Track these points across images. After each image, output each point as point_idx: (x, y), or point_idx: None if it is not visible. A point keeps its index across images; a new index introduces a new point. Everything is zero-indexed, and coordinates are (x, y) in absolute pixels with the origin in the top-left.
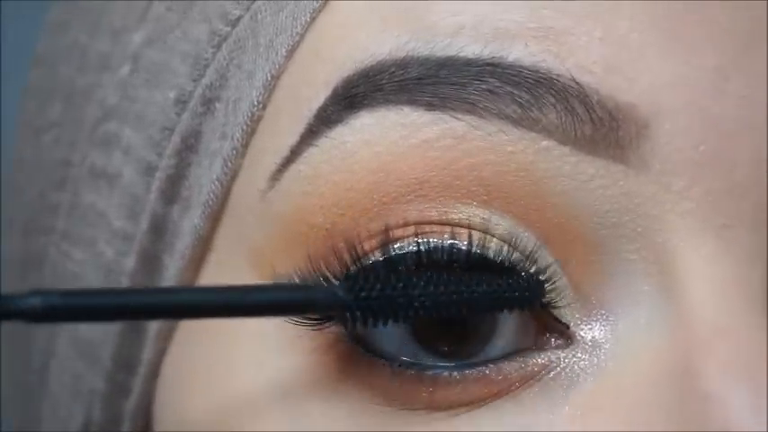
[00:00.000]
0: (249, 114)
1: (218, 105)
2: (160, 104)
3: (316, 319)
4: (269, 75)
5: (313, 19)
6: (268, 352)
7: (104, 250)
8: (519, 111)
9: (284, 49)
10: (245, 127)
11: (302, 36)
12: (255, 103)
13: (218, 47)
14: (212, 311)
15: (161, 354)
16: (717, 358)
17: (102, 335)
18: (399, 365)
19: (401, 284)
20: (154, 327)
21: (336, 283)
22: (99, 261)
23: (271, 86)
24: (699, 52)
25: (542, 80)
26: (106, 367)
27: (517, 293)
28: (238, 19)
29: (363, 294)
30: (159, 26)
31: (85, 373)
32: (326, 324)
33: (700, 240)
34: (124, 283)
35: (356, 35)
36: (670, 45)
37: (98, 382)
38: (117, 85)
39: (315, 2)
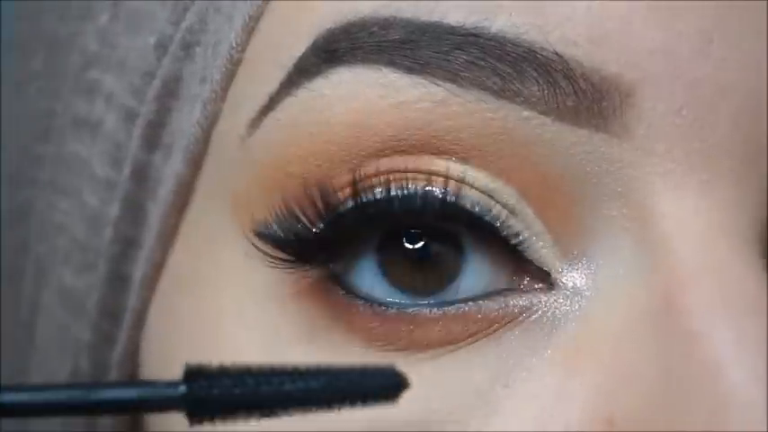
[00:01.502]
0: (228, 57)
1: (197, 50)
2: (141, 50)
3: (293, 261)
4: (247, 17)
5: None
6: (251, 299)
7: (88, 199)
8: (500, 82)
9: None
10: (224, 70)
11: None
12: (234, 45)
13: None
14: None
15: (146, 302)
16: (698, 296)
17: (87, 285)
18: (380, 305)
19: (251, 381)
20: (137, 275)
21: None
22: (84, 211)
23: (249, 28)
24: (682, 16)
25: (525, 53)
26: (92, 317)
27: (374, 386)
28: None
29: (201, 394)
30: None
31: (72, 324)
32: (304, 267)
33: (681, 195)
34: (108, 232)
35: None
36: (654, 11)
37: (84, 333)
38: (97, 32)
39: None
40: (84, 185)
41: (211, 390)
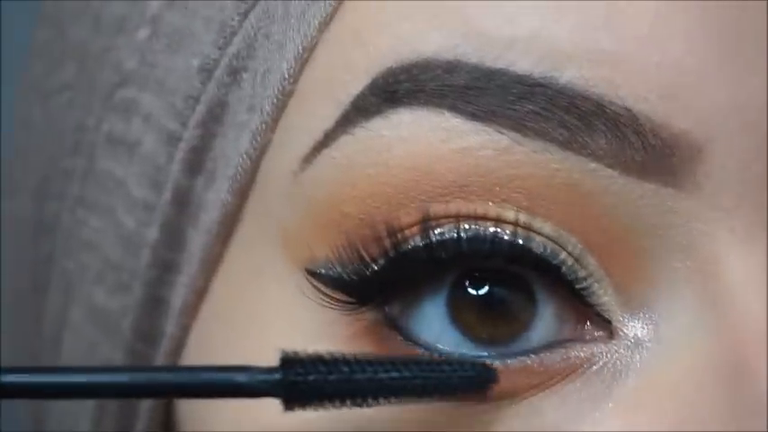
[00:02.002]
0: (280, 88)
1: (245, 76)
2: (182, 71)
3: (351, 303)
4: (300, 47)
5: None
6: (302, 338)
7: (124, 219)
8: (567, 134)
9: (317, 21)
10: (275, 101)
11: (336, 9)
12: (286, 76)
13: (246, 15)
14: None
15: (186, 329)
16: None
17: (121, 305)
18: (440, 356)
19: (345, 368)
20: (177, 301)
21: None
22: (119, 230)
23: (302, 60)
24: (755, 70)
25: (594, 107)
26: (126, 338)
27: (464, 378)
28: None
29: (298, 379)
30: None
31: (103, 343)
32: (360, 309)
33: (749, 249)
34: (145, 255)
35: (401, 25)
36: (727, 66)
37: (117, 353)
38: (135, 49)
39: None
40: (118, 204)
41: (306, 376)
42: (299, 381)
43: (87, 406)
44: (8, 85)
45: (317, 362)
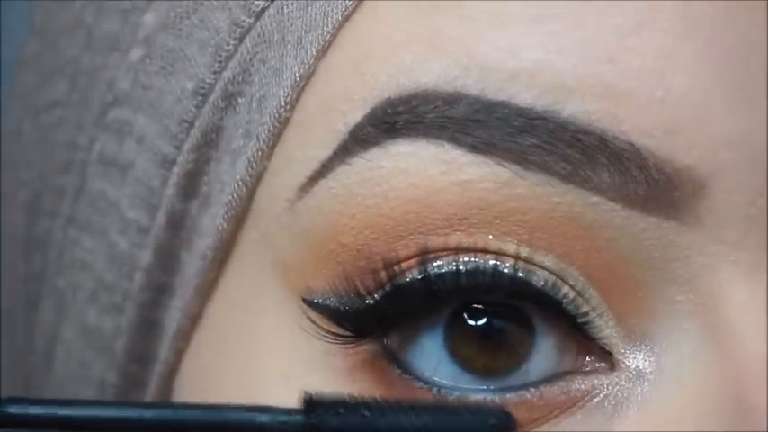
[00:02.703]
0: (276, 115)
1: (240, 101)
2: (176, 95)
3: (348, 336)
4: (297, 75)
5: (346, 18)
6: (296, 367)
7: (117, 240)
8: (569, 168)
9: (314, 49)
10: (271, 128)
11: (334, 36)
12: (283, 103)
13: (241, 39)
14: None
15: (180, 353)
16: None
17: (114, 326)
18: (439, 390)
19: (367, 413)
20: (171, 324)
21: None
22: (111, 251)
23: (299, 87)
24: (760, 104)
25: (596, 142)
26: (119, 360)
27: (485, 425)
28: (262, 11)
29: (320, 423)
30: (173, 9)
31: (95, 362)
32: (359, 342)
33: (751, 285)
34: (138, 277)
35: (401, 55)
36: (733, 100)
37: (110, 374)
38: (128, 69)
39: (347, 0)
40: (110, 226)
41: (329, 420)
42: (321, 424)
43: None
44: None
45: (339, 405)
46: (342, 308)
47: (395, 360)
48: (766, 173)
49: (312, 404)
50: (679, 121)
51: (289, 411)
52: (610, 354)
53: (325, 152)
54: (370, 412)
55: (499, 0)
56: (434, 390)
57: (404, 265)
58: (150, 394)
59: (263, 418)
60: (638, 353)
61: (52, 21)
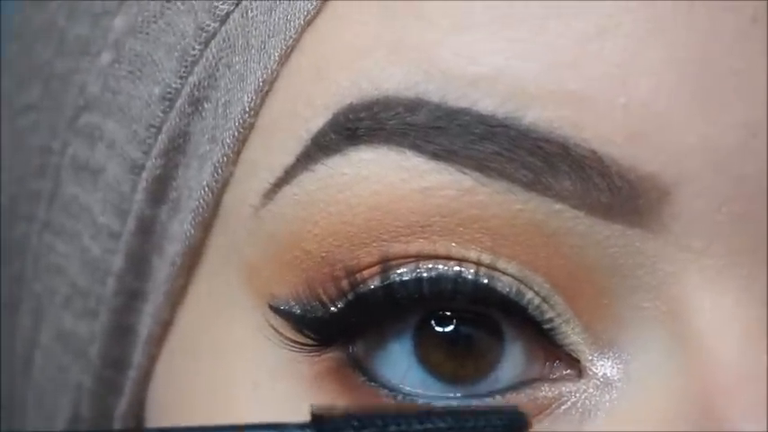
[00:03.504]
0: (240, 120)
1: (207, 106)
2: (144, 99)
3: (313, 345)
4: (261, 80)
5: (308, 23)
6: (263, 374)
7: (89, 246)
8: (530, 176)
9: (277, 53)
10: (236, 133)
11: (297, 41)
12: (247, 108)
13: (206, 43)
14: None
15: (153, 359)
16: (741, 403)
17: (89, 331)
18: (405, 397)
19: (379, 422)
20: (143, 330)
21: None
22: (85, 256)
23: (263, 92)
24: (728, 108)
25: (558, 149)
26: (94, 365)
27: (499, 427)
28: (227, 15)
29: None
30: (141, 13)
31: (71, 367)
32: (324, 350)
33: (719, 290)
34: (111, 283)
35: (362, 61)
36: (698, 105)
37: (86, 379)
38: (98, 73)
39: (309, 3)
40: (83, 231)
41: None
42: None
43: (63, 410)
44: None
45: (349, 417)
46: (305, 316)
47: (360, 368)
48: (733, 179)
49: (320, 418)
50: (642, 127)
51: (300, 426)
52: (577, 361)
53: (289, 158)
54: (383, 421)
55: (461, 6)
56: (400, 397)
57: (365, 273)
58: (125, 400)
59: None
60: (605, 360)
61: (29, 22)
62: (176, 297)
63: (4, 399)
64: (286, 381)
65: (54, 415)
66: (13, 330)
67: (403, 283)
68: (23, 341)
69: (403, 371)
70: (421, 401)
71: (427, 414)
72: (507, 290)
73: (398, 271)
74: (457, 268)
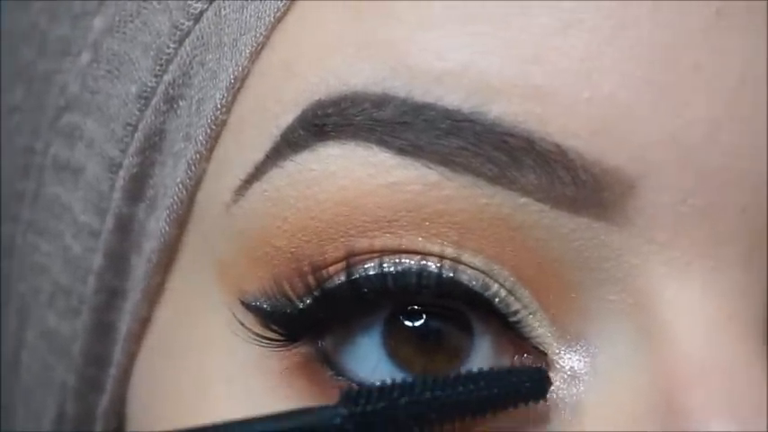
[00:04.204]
0: (213, 117)
1: (181, 104)
2: (122, 98)
3: (281, 340)
4: (232, 77)
5: (279, 20)
6: (237, 369)
7: (71, 245)
8: (495, 170)
9: (248, 50)
10: (208, 130)
11: (268, 38)
12: (219, 105)
13: (181, 42)
14: None
15: (132, 356)
16: (702, 395)
17: (71, 330)
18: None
19: (403, 397)
20: (123, 328)
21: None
22: (66, 255)
23: (234, 89)
24: (692, 103)
25: (523, 143)
26: (77, 363)
27: (521, 386)
28: (201, 13)
29: (363, 412)
30: (118, 13)
31: (56, 365)
32: (293, 345)
33: (685, 282)
34: (92, 281)
35: (331, 58)
36: (662, 99)
37: (69, 377)
38: (78, 73)
39: (279, 1)
40: (65, 230)
41: (370, 407)
42: (364, 413)
43: (48, 409)
44: None
45: (377, 390)
46: (274, 312)
47: (328, 362)
48: (698, 172)
49: (349, 396)
50: (606, 121)
51: (327, 408)
52: (545, 354)
53: (259, 155)
54: (410, 391)
55: (428, 3)
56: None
57: (331, 269)
58: (107, 397)
59: (310, 419)
60: (572, 353)
61: (15, 24)
62: (153, 294)
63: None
64: (257, 376)
65: (41, 414)
66: (2, 332)
67: (368, 278)
68: (11, 342)
69: (372, 365)
70: None
71: (451, 382)
72: (473, 283)
73: (364, 266)
74: (422, 262)
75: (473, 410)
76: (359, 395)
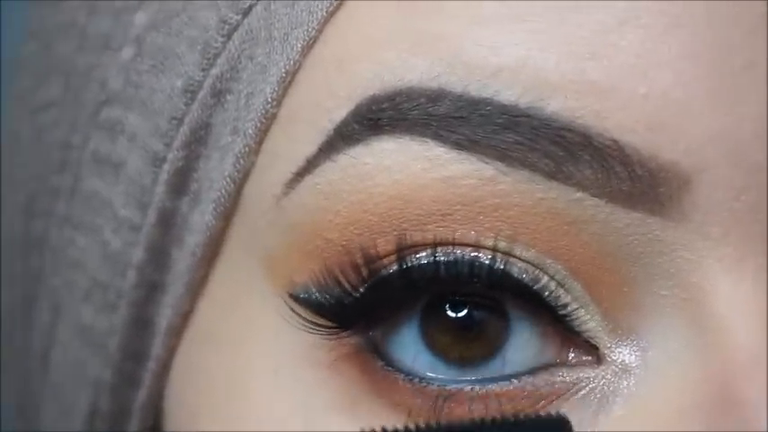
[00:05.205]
0: (263, 111)
1: (229, 98)
2: (167, 92)
3: (333, 327)
4: (284, 71)
5: (331, 15)
6: (283, 361)
7: (110, 239)
8: (552, 165)
9: (300, 45)
10: (258, 124)
11: (320, 33)
12: (269, 99)
13: (229, 36)
14: None
15: (172, 350)
16: (758, 387)
17: (108, 325)
18: (421, 380)
19: None
20: (163, 322)
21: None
22: (105, 250)
23: (286, 83)
24: (743, 100)
25: (580, 138)
26: (113, 358)
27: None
28: (250, 8)
29: None
30: (163, 8)
31: (90, 361)
32: (344, 333)
33: (737, 277)
34: (131, 275)
35: (384, 53)
36: (715, 97)
37: (105, 372)
38: (120, 68)
39: None
40: (104, 224)
41: None
42: None
43: (80, 405)
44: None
45: None
46: (325, 302)
47: (378, 352)
48: (749, 168)
49: None
50: (662, 117)
51: None
52: (596, 347)
53: (311, 148)
54: None
55: (477, 1)
56: (416, 380)
57: (385, 260)
58: (144, 392)
59: None
60: (624, 347)
61: (47, 21)
62: (196, 288)
63: (20, 397)
64: (307, 367)
65: (71, 410)
66: (30, 328)
67: (420, 266)
68: (40, 338)
69: (413, 354)
70: (435, 385)
71: (479, 425)
72: (523, 276)
73: (416, 256)
74: (473, 254)
75: None
76: None
